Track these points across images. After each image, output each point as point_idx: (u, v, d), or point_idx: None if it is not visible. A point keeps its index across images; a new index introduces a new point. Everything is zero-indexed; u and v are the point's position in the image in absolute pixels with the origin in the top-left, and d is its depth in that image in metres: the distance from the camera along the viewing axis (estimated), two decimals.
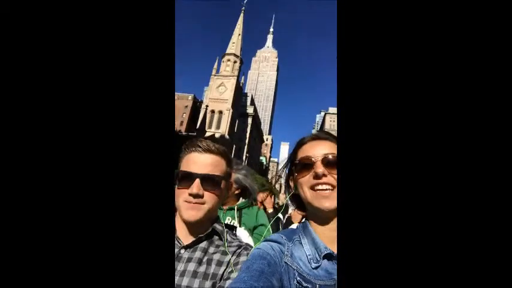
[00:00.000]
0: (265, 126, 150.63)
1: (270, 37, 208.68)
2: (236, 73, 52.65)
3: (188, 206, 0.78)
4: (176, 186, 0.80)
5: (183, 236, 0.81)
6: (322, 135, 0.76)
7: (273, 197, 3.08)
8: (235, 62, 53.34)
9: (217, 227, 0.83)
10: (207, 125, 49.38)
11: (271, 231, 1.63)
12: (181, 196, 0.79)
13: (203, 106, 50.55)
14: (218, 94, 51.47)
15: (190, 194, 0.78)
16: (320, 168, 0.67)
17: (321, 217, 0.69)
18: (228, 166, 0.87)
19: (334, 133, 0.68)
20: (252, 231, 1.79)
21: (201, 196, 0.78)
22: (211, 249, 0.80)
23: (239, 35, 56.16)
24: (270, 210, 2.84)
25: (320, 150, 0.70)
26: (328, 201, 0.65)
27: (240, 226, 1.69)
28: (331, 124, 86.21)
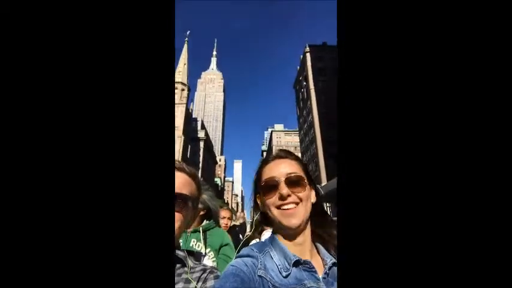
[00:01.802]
0: (216, 146, 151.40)
1: (213, 60, 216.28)
2: (185, 101, 54.19)
3: None
4: None
5: None
6: (282, 154, 0.82)
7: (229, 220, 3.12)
8: (182, 89, 55.04)
9: (179, 253, 0.75)
10: None
11: (235, 250, 1.81)
12: None
13: None
14: None
15: None
16: (284, 190, 0.73)
17: (288, 234, 0.73)
18: (197, 190, 0.83)
19: (284, 148, 0.88)
20: (217, 251, 1.82)
21: None
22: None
23: (184, 64, 58.53)
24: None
25: (282, 170, 0.76)
26: (295, 218, 0.71)
27: (205, 248, 1.73)
28: (278, 140, 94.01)
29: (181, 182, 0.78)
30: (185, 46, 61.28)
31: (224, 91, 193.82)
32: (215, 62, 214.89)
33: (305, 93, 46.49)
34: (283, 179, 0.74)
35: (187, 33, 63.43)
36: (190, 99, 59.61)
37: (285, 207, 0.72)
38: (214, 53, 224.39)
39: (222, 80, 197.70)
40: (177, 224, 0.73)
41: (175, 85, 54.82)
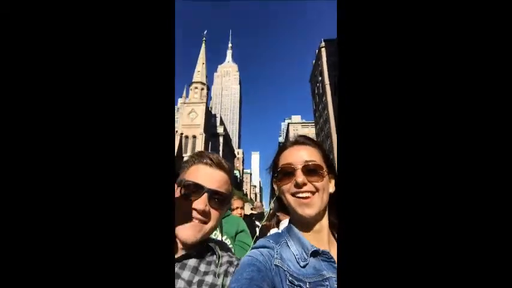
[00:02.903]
0: (234, 139, 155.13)
1: (229, 52, 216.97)
2: (204, 99, 57.08)
3: (187, 224, 0.70)
4: (179, 196, 0.73)
5: None
6: (302, 139, 0.79)
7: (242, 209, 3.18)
8: (202, 89, 57.88)
9: (210, 244, 0.77)
10: (183, 150, 52.68)
11: (250, 237, 1.89)
12: (183, 209, 0.71)
13: (178, 133, 53.79)
14: (190, 120, 55.20)
15: (194, 209, 0.71)
16: (300, 178, 0.70)
17: (303, 222, 0.72)
18: (232, 186, 0.82)
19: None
20: (233, 238, 1.85)
21: (207, 213, 0.72)
22: (202, 267, 0.72)
23: (203, 63, 61.00)
24: None
25: (300, 157, 0.73)
26: (310, 208, 0.69)
27: (222, 235, 1.75)
28: (295, 133, 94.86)
29: (221, 181, 0.77)
30: (203, 46, 63.53)
31: (240, 83, 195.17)
32: (230, 54, 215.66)
33: (320, 88, 47.15)
34: (300, 166, 0.71)
35: (205, 32, 65.45)
36: (209, 97, 62.45)
37: (300, 195, 0.70)
38: (230, 45, 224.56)
39: (238, 73, 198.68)
40: (213, 223, 0.74)
41: (195, 85, 57.79)
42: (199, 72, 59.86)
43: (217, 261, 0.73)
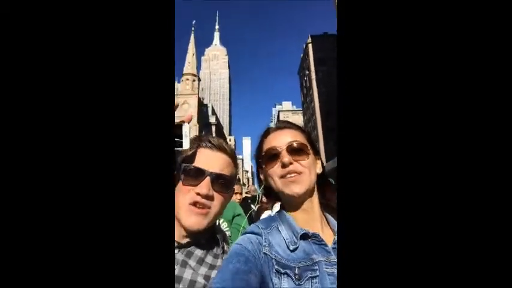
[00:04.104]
0: (224, 125, 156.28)
1: (216, 34, 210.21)
2: (196, 91, 58.52)
3: (192, 211, 0.69)
4: (181, 182, 0.72)
5: (176, 234, 0.69)
6: (283, 124, 0.80)
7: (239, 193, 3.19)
8: (194, 80, 59.03)
9: (218, 236, 0.77)
10: None
11: (247, 221, 1.93)
12: (186, 195, 0.70)
13: None
14: (183, 112, 56.94)
15: (198, 194, 0.70)
16: (286, 157, 0.70)
17: (293, 203, 0.72)
18: (236, 170, 0.80)
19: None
20: (230, 222, 1.94)
21: (211, 197, 0.71)
22: (209, 259, 0.71)
23: (193, 54, 61.49)
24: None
25: (284, 139, 0.73)
26: (297, 186, 0.69)
27: (219, 219, 1.78)
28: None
29: (224, 163, 0.75)
30: (192, 36, 63.58)
31: (229, 67, 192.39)
32: (218, 37, 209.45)
33: (308, 82, 49.91)
34: (284, 147, 0.72)
35: (193, 22, 65.09)
36: (201, 88, 63.79)
37: (287, 175, 0.70)
38: (217, 27, 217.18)
39: (227, 56, 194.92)
40: (218, 208, 0.73)
41: (186, 76, 58.84)
42: (190, 64, 60.60)
43: (222, 256, 0.72)
